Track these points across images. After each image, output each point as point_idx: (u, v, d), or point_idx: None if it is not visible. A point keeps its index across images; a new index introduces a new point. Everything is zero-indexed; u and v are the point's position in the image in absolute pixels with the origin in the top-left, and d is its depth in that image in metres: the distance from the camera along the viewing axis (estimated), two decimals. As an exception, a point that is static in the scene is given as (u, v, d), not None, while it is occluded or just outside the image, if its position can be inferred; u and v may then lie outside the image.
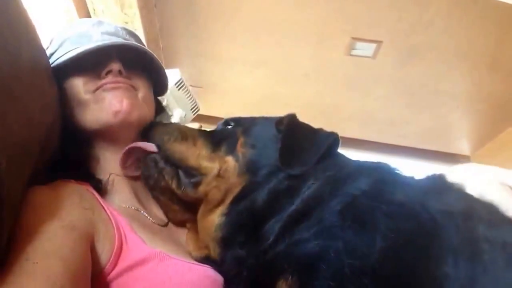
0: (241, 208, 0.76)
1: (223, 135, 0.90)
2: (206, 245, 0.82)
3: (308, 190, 0.69)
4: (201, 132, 0.93)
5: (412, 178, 0.73)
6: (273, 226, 0.68)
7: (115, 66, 0.93)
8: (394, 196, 0.62)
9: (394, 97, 3.22)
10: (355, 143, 3.62)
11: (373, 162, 0.78)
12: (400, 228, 0.56)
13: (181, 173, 0.85)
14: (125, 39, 1.01)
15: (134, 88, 0.96)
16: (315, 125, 0.90)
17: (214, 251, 0.79)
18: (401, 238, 0.55)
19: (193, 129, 0.94)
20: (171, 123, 0.91)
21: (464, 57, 2.78)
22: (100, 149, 0.96)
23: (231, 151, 0.84)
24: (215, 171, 0.82)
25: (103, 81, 0.92)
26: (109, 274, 0.72)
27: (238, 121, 0.93)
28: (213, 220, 0.78)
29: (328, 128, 0.87)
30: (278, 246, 0.64)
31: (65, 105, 0.93)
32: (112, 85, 0.92)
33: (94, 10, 2.05)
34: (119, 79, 0.93)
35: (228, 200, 0.79)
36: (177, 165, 0.86)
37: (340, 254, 0.55)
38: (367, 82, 3.11)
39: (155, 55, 1.01)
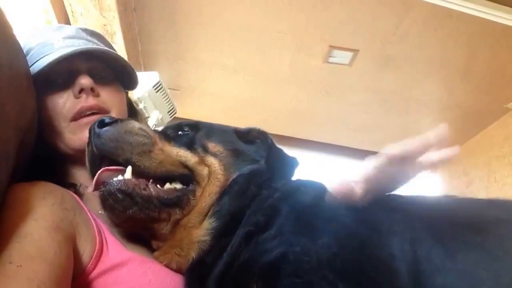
0: (230, 209, 0.78)
1: (187, 139, 0.89)
2: (178, 251, 0.81)
3: (270, 200, 0.76)
4: (161, 134, 0.89)
5: None
6: (240, 232, 0.72)
7: (86, 82, 0.93)
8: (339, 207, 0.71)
9: (368, 104, 3.30)
10: (329, 148, 3.68)
11: (312, 181, 0.85)
12: (342, 228, 0.65)
13: (162, 194, 0.80)
14: (87, 40, 1.01)
15: (107, 110, 0.97)
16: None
17: (184, 257, 0.79)
18: (344, 234, 0.64)
19: (150, 131, 0.87)
20: (121, 123, 0.83)
21: (437, 67, 2.89)
22: (70, 166, 0.97)
23: (210, 153, 0.86)
24: (205, 172, 0.83)
25: (78, 108, 0.92)
26: (89, 275, 0.73)
27: (195, 126, 0.94)
28: (203, 224, 0.79)
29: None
30: (243, 255, 0.68)
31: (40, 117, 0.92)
32: (87, 119, 0.93)
33: (72, 12, 2.02)
34: (93, 104, 0.94)
35: (214, 203, 0.81)
36: (158, 176, 0.81)
37: (298, 255, 0.61)
38: (343, 89, 3.18)
39: (116, 52, 1.00)
